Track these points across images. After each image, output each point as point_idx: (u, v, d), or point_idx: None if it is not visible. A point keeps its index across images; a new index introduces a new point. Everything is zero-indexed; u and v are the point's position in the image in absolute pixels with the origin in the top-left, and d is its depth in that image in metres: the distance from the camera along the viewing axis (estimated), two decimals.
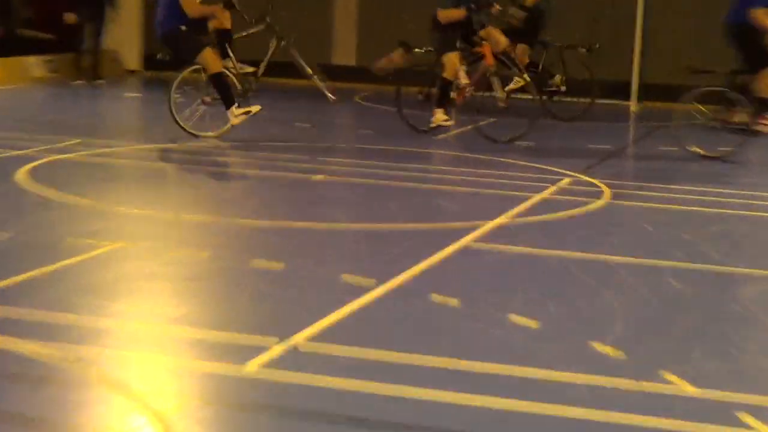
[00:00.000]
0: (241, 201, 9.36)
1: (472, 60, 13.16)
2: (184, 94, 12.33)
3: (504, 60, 14.23)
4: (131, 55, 19.46)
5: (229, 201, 9.38)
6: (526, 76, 13.87)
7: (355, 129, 13.56)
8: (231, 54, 12.29)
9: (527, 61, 14.52)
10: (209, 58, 11.75)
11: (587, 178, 10.73)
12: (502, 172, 10.94)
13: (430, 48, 13.66)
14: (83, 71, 17.43)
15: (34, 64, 17.76)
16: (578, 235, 8.40)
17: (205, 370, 5.24)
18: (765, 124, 12.04)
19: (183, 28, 11.77)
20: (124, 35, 19.13)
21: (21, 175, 9.77)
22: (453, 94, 13.02)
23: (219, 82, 11.84)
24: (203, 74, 12.00)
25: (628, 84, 16.72)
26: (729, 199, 10.03)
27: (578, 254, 7.75)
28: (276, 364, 5.32)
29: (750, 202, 9.95)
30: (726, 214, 9.39)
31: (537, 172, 11.02)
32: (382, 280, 6.79)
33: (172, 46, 12.04)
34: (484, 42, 12.97)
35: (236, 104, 11.94)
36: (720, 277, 7.41)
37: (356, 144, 12.91)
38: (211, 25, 12.08)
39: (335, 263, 7.25)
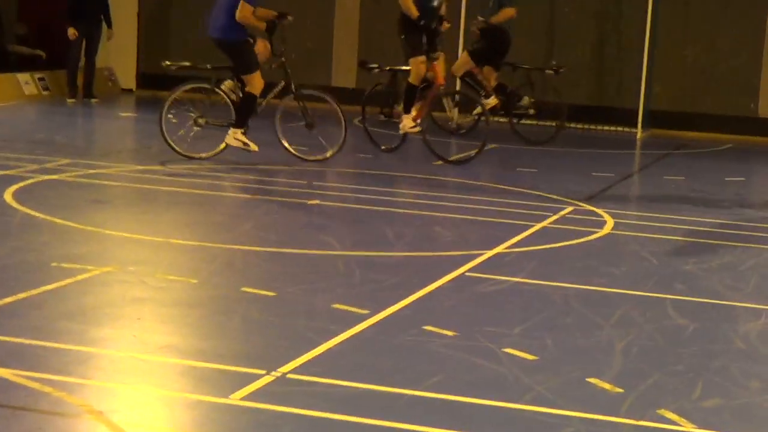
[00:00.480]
0: (233, 225, 9.35)
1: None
2: (177, 115, 12.34)
3: (469, 82, 14.35)
4: (126, 74, 19.49)
5: (221, 225, 9.37)
6: (490, 100, 14.01)
7: (352, 152, 13.56)
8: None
9: (495, 83, 14.57)
10: (258, 77, 11.84)
11: (589, 207, 10.73)
12: (502, 200, 10.93)
13: (386, 66, 13.74)
14: (76, 89, 17.44)
15: (26, 82, 17.77)
16: (578, 266, 8.39)
17: (192, 400, 5.22)
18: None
19: (251, 40, 11.89)
20: (119, 53, 19.16)
21: (8, 195, 9.77)
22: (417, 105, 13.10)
23: (249, 103, 11.93)
24: (224, 93, 12.04)
25: (634, 111, 16.72)
26: (734, 231, 10.02)
27: (578, 285, 7.73)
28: (264, 394, 5.31)
29: (756, 234, 9.94)
30: (731, 246, 9.38)
31: (538, 200, 11.01)
32: (375, 310, 6.78)
33: (230, 54, 12.08)
34: (434, 62, 13.02)
35: (243, 130, 12.00)
36: (723, 311, 7.40)
37: (353, 168, 12.91)
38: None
39: (328, 291, 7.24)
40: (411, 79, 13.04)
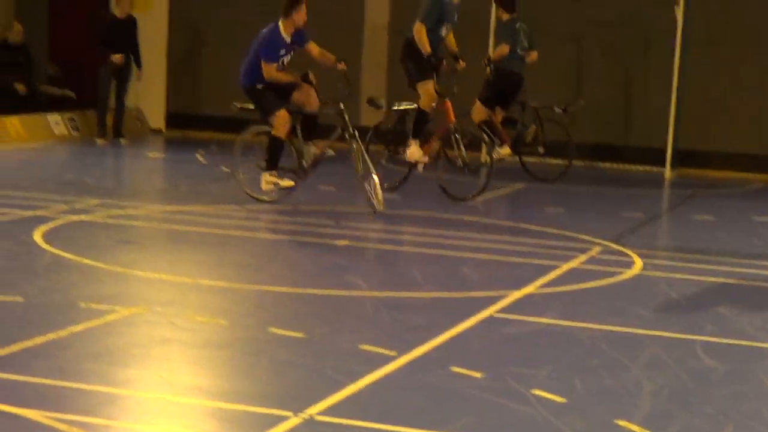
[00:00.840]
0: (261, 266, 9.36)
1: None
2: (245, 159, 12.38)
3: (485, 130, 14.31)
4: (155, 114, 19.59)
5: (249, 266, 9.38)
6: (503, 150, 14.09)
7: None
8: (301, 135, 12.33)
9: (501, 118, 14.70)
10: (280, 119, 11.84)
11: (618, 247, 10.68)
12: (530, 240, 10.91)
13: (395, 105, 13.76)
14: (106, 129, 17.54)
15: (56, 122, 17.90)
16: (607, 307, 8.35)
17: None
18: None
19: (259, 86, 11.94)
20: (149, 93, 19.27)
21: (38, 235, 9.82)
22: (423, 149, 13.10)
23: (274, 145, 11.93)
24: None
25: (662, 150, 16.68)
26: (764, 272, 9.95)
27: (607, 327, 7.69)
28: None
29: None
30: (761, 287, 9.32)
31: (566, 240, 10.98)
32: (402, 351, 6.76)
33: (251, 100, 12.22)
34: (446, 99, 12.99)
35: (273, 171, 11.97)
36: (754, 353, 7.34)
37: (385, 209, 12.89)
38: (296, 99, 12.21)
39: (355, 332, 7.23)
40: (422, 104, 12.94)
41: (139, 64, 17.77)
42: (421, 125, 13.01)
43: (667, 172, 16.65)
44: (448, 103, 13.03)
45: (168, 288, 8.39)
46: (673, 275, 9.57)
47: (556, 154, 15.41)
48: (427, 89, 12.84)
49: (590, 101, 16.76)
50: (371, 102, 13.98)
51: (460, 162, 13.21)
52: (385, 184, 13.31)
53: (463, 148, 13.27)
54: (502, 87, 14.87)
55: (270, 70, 11.85)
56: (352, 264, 9.69)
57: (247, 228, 10.97)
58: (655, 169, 16.74)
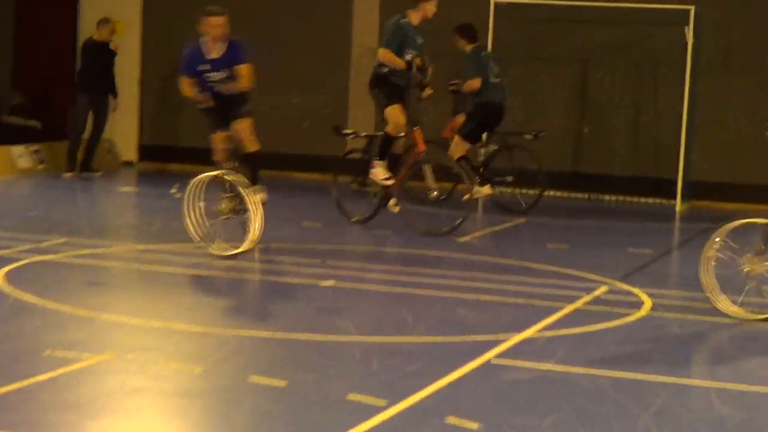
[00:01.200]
0: (241, 309, 9.36)
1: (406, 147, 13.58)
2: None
3: (463, 166, 14.50)
4: (127, 146, 19.60)
5: (228, 309, 9.38)
6: (485, 189, 14.26)
7: (369, 229, 13.58)
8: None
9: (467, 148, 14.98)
10: (213, 141, 11.99)
11: (625, 287, 10.69)
12: (531, 279, 10.91)
13: (361, 133, 13.90)
14: (75, 163, 17.54)
15: (20, 155, 17.89)
16: (614, 351, 8.34)
17: None
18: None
19: (200, 107, 12.12)
20: (120, 124, 19.29)
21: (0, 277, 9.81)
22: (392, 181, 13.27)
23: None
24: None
25: (672, 181, 16.73)
26: None
27: (614, 373, 7.69)
28: None
29: None
30: None
31: (570, 279, 10.98)
32: (393, 400, 6.74)
33: None
34: (415, 128, 13.25)
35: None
36: None
37: (370, 246, 12.92)
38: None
39: (343, 380, 7.21)
40: (389, 129, 13.20)
41: (114, 93, 17.81)
42: (386, 147, 13.26)
43: (678, 204, 16.69)
44: (418, 132, 13.29)
45: (139, 333, 8.37)
46: (684, 316, 9.57)
47: (525, 184, 15.59)
48: (393, 114, 13.11)
49: (595, 129, 16.83)
50: (338, 130, 14.13)
51: (432, 193, 13.37)
52: (353, 218, 13.43)
53: (432, 178, 13.42)
54: (484, 120, 15.16)
55: (182, 85, 11.98)
56: (339, 306, 9.68)
57: (225, 268, 10.95)
58: (664, 201, 16.79)
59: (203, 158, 18.82)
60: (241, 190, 11.50)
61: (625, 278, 11.11)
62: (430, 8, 13.41)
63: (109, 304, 9.31)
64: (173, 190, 16.27)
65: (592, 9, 17.21)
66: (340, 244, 12.76)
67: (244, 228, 11.38)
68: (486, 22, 17.00)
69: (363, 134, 13.97)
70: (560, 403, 6.96)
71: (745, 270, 9.41)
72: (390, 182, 13.24)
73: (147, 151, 19.49)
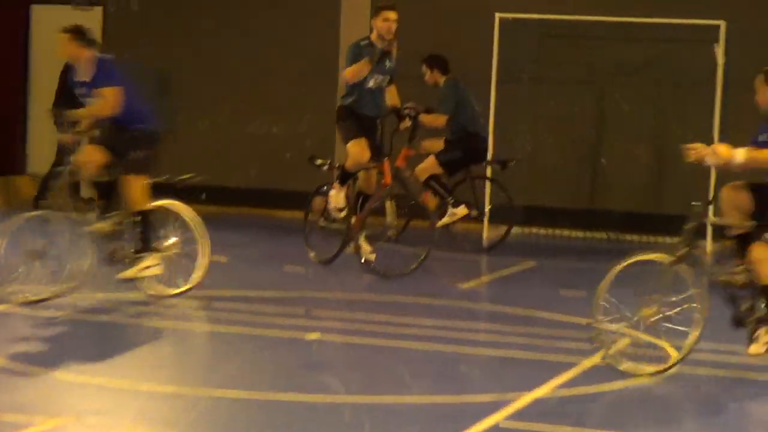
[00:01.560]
0: (215, 366, 9.36)
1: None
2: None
3: (433, 186, 14.74)
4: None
5: (201, 366, 9.38)
6: (459, 210, 14.61)
7: (359, 274, 13.60)
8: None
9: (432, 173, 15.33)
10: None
11: (650, 338, 10.69)
12: (543, 331, 10.94)
13: (336, 163, 14.07)
14: (21, 197, 17.62)
15: None
16: (637, 412, 8.37)
17: None
18: None
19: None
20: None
21: None
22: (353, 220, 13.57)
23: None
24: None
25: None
26: None
27: None
28: None
29: None
30: None
31: (586, 330, 10.97)
32: None
33: None
34: (385, 159, 13.56)
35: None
36: None
37: (360, 294, 12.93)
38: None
39: None
40: (347, 164, 13.54)
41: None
42: (345, 178, 13.62)
43: (709, 244, 16.72)
44: (387, 164, 13.56)
45: (100, 394, 8.38)
46: (716, 372, 9.59)
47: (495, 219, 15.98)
48: (355, 150, 13.46)
49: (613, 160, 16.88)
50: (312, 160, 14.27)
51: (391, 231, 13.52)
52: (314, 257, 13.63)
53: (394, 215, 13.55)
54: (470, 152, 15.56)
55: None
56: (326, 362, 9.70)
57: (197, 319, 10.98)
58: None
59: (172, 194, 19.01)
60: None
61: (648, 328, 11.10)
62: (379, 24, 13.56)
63: (64, 360, 9.30)
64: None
65: (607, 24, 17.27)
66: (326, 291, 12.76)
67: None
68: (490, 40, 17.09)
69: (337, 165, 14.05)
70: None
71: (637, 317, 9.37)
72: (342, 213, 13.49)
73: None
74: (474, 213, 15.46)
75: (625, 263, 9.26)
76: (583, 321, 11.12)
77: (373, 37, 13.55)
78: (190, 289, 11.67)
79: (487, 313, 11.86)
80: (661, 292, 9.30)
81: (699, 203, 9.26)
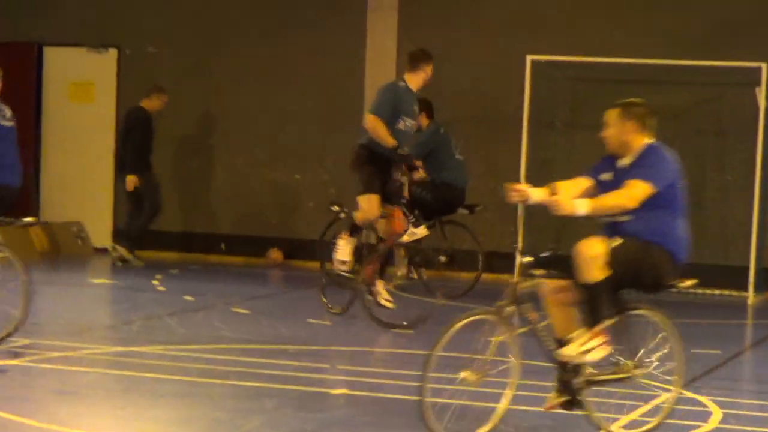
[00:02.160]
0: (237, 423, 9.37)
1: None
2: None
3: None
4: (100, 230, 19.71)
5: (222, 423, 9.38)
6: (419, 230, 14.56)
7: (388, 326, 13.61)
8: None
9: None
10: None
11: (691, 394, 10.70)
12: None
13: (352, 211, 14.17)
14: (38, 249, 17.69)
15: None
16: None
17: None
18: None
19: None
20: (93, 204, 19.50)
21: None
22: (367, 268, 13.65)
23: None
24: None
25: (743, 270, 16.78)
26: None
27: None
28: None
29: None
30: None
31: (624, 384, 10.97)
32: None
33: None
34: (396, 206, 13.69)
35: None
36: None
37: (389, 347, 12.94)
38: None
39: None
40: (357, 216, 13.63)
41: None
42: (355, 228, 13.73)
43: (750, 296, 16.72)
44: (398, 212, 13.70)
45: None
46: (761, 430, 9.58)
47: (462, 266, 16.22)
48: (367, 205, 13.52)
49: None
50: (331, 206, 14.38)
51: (399, 281, 13.57)
52: (332, 308, 13.96)
53: (404, 265, 13.65)
54: (443, 201, 16.21)
55: None
56: (354, 419, 9.69)
57: (217, 374, 10.99)
58: (734, 293, 16.82)
59: (191, 244, 19.11)
60: None
61: (689, 384, 11.12)
62: (428, 71, 13.70)
63: (82, 417, 9.33)
64: (155, 283, 16.41)
65: (644, 67, 17.31)
66: (352, 345, 12.80)
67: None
68: (521, 82, 17.17)
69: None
70: None
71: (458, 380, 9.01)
72: (345, 266, 13.51)
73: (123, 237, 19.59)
74: (443, 259, 15.92)
75: (461, 322, 8.99)
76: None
77: (412, 83, 13.65)
78: None
79: (523, 367, 11.83)
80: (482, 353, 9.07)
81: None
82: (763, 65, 16.48)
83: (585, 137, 17.88)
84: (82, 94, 19.76)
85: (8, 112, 12.12)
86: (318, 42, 18.89)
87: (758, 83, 16.50)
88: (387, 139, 13.26)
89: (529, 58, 17.19)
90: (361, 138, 13.65)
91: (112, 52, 19.77)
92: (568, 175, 16.98)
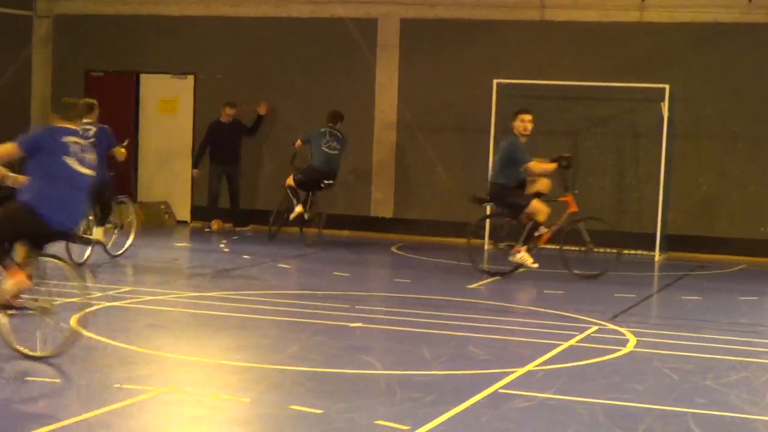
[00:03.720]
0: (280, 347, 9.38)
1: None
2: None
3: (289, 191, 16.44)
4: (181, 208, 19.73)
5: (269, 347, 9.40)
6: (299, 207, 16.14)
7: (392, 278, 13.62)
8: None
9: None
10: None
11: (613, 327, 10.70)
12: (532, 321, 10.93)
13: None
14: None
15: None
16: (604, 382, 8.35)
17: None
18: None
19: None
20: (176, 188, 19.49)
21: (73, 321, 9.85)
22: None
23: None
24: None
25: (652, 235, 16.75)
26: (749, 348, 9.96)
27: (604, 401, 7.70)
28: None
29: None
30: (747, 362, 9.31)
31: (565, 320, 10.99)
32: (415, 425, 6.78)
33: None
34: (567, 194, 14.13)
35: None
36: (742, 424, 7.33)
37: (393, 293, 12.95)
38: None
39: (370, 408, 7.24)
40: (540, 218, 13.71)
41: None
42: (531, 234, 13.79)
43: (657, 256, 16.69)
44: (571, 197, 14.15)
45: (195, 369, 8.42)
46: (664, 352, 9.58)
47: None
48: (538, 206, 13.70)
49: (586, 191, 16.89)
50: (476, 200, 14.42)
51: (590, 247, 14.14)
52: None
53: (587, 234, 14.09)
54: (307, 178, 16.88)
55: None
56: (367, 344, 9.70)
57: (266, 312, 11.00)
58: (645, 253, 16.78)
59: (247, 218, 19.07)
60: None
61: (612, 319, 11.12)
62: (517, 124, 13.85)
63: (168, 344, 9.36)
64: (222, 245, 16.39)
65: (581, 88, 17.32)
66: (366, 291, 12.80)
67: None
68: (489, 100, 17.13)
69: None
70: (559, 428, 6.98)
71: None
72: (536, 265, 13.72)
73: (198, 212, 19.60)
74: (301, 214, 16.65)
75: None
76: (567, 314, 11.15)
77: (516, 132, 13.77)
78: None
79: (488, 307, 11.83)
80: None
81: None
82: (666, 86, 16.43)
83: (537, 140, 17.86)
84: (168, 108, 19.71)
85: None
86: (342, 73, 18.85)
87: (663, 99, 16.45)
88: (547, 168, 13.77)
89: (495, 81, 17.14)
90: (505, 179, 13.75)
91: (190, 78, 19.73)
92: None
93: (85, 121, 13.11)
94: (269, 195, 18.85)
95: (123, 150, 14.04)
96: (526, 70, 17.58)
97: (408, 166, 18.67)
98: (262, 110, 18.70)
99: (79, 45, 20.19)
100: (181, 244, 17.53)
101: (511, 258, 13.78)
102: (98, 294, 11.40)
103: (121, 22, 19.96)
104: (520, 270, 13.87)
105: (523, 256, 13.68)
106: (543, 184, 13.91)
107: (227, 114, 18.58)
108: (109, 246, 14.21)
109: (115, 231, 14.40)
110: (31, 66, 20.30)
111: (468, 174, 17.96)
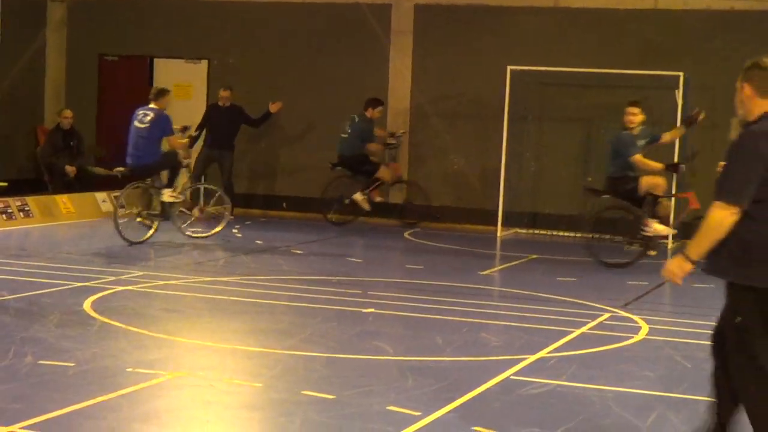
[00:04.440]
0: (293, 332, 9.39)
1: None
2: None
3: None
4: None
5: (282, 332, 9.41)
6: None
7: (405, 264, 13.63)
8: None
9: None
10: None
11: (625, 314, 10.68)
12: (544, 308, 10.92)
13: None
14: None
15: (103, 200, 18.05)
16: (616, 369, 8.35)
17: None
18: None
19: None
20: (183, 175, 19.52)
21: (87, 305, 9.89)
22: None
23: None
24: None
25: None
26: None
27: (616, 388, 7.69)
28: None
29: None
30: None
31: (577, 307, 10.98)
32: (426, 411, 6.78)
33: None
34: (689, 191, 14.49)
35: None
36: None
37: (406, 279, 12.95)
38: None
39: (382, 394, 7.24)
40: (655, 191, 14.11)
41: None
42: (653, 206, 14.14)
43: (670, 243, 16.64)
44: (692, 194, 14.38)
45: (208, 353, 8.44)
46: (676, 339, 9.57)
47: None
48: (648, 181, 14.00)
49: (600, 178, 16.89)
50: (591, 190, 14.56)
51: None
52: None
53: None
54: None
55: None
56: (379, 330, 9.71)
57: (279, 297, 11.01)
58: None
59: (258, 204, 19.07)
60: None
61: (624, 306, 11.11)
62: (629, 118, 14.32)
63: (181, 328, 9.38)
64: (234, 231, 16.41)
65: (595, 75, 17.26)
66: (377, 277, 12.80)
67: None
68: (503, 87, 17.09)
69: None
70: (569, 415, 6.97)
71: None
72: (674, 231, 14.27)
73: None
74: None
75: None
76: (579, 301, 11.14)
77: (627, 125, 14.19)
78: None
79: (500, 294, 11.85)
80: None
81: None
82: (681, 73, 16.36)
83: (550, 127, 17.87)
84: (182, 92, 19.68)
85: (148, 117, 14.23)
86: (356, 58, 18.83)
87: (677, 87, 16.39)
88: (657, 165, 14.04)
89: (509, 68, 17.09)
90: (621, 170, 14.06)
91: (204, 63, 19.74)
92: (537, 153, 17.05)
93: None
94: (281, 180, 18.87)
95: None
96: (540, 56, 17.54)
97: (421, 152, 18.66)
98: (273, 108, 18.36)
99: (93, 29, 20.22)
100: (193, 229, 17.51)
101: (644, 232, 14.00)
102: (111, 278, 11.44)
103: (135, 7, 19.99)
104: (650, 253, 14.17)
105: (656, 227, 13.95)
106: (654, 184, 14.09)
107: (222, 97, 18.36)
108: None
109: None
110: (46, 50, 20.33)
111: (482, 160, 17.93)
